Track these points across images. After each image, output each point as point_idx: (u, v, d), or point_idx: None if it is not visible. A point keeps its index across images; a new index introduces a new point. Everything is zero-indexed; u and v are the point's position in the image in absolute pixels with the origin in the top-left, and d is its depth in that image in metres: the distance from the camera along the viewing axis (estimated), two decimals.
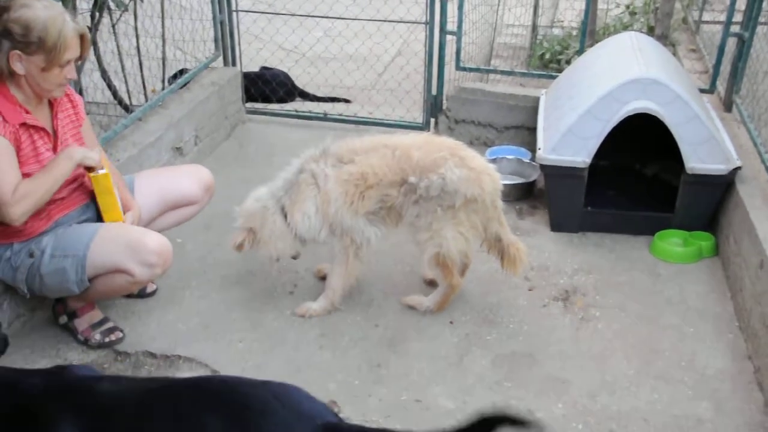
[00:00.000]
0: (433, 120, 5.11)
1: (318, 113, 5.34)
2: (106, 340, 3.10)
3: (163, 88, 4.63)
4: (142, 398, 1.95)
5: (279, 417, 1.83)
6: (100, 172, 2.90)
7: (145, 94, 4.50)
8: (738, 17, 4.60)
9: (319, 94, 5.90)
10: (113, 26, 4.17)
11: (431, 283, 3.49)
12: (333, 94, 5.92)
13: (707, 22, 6.55)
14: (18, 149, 2.71)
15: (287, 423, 1.83)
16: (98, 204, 2.96)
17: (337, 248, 3.23)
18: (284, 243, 3.22)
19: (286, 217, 3.19)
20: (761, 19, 4.48)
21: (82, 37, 2.75)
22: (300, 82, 5.93)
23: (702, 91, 4.58)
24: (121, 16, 4.20)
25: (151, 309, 3.35)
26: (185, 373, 2.99)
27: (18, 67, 2.65)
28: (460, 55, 4.94)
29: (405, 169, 3.07)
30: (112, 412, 1.91)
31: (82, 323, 3.11)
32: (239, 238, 3.23)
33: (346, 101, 5.86)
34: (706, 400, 2.88)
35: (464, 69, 5.04)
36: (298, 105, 5.68)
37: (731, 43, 4.63)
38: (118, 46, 4.23)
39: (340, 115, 5.32)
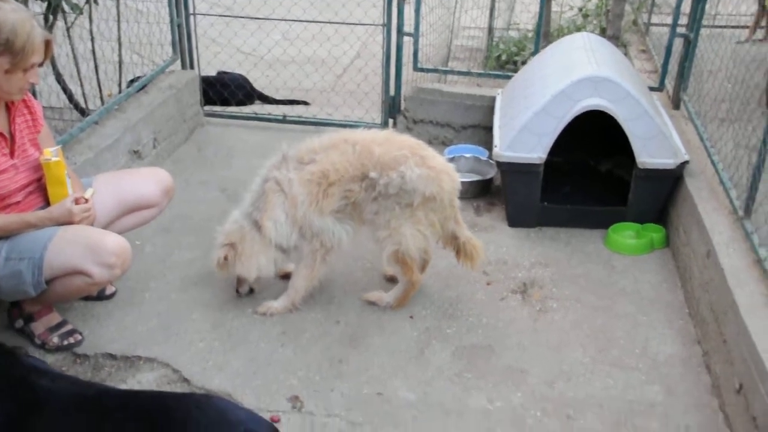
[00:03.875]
0: (391, 120, 5.15)
1: (277, 116, 5.35)
2: (65, 343, 3.06)
3: (119, 92, 4.59)
4: (76, 401, 2.06)
5: (201, 425, 1.95)
6: (53, 159, 2.87)
7: (102, 98, 4.46)
8: (684, 20, 4.73)
9: (278, 97, 5.91)
10: (68, 29, 4.13)
11: (391, 280, 3.52)
12: (292, 97, 5.93)
13: (656, 24, 6.73)
14: None
15: (208, 430, 1.94)
16: (48, 195, 2.92)
17: (306, 251, 3.24)
18: (266, 257, 3.21)
19: (261, 230, 3.19)
20: (705, 23, 4.63)
21: (46, 43, 2.75)
22: (259, 85, 5.92)
23: (652, 89, 4.70)
24: (75, 19, 4.16)
25: (110, 311, 3.32)
26: (146, 373, 2.98)
27: None
28: (418, 56, 4.99)
29: (366, 164, 3.09)
30: (43, 406, 2.05)
31: (39, 327, 3.08)
32: (221, 253, 3.22)
33: (305, 103, 5.87)
34: (658, 384, 2.96)
35: (422, 70, 5.10)
36: (257, 108, 5.68)
37: (678, 44, 4.77)
38: (73, 50, 4.19)
39: (300, 117, 5.35)
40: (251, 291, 3.43)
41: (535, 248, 3.90)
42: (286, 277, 3.44)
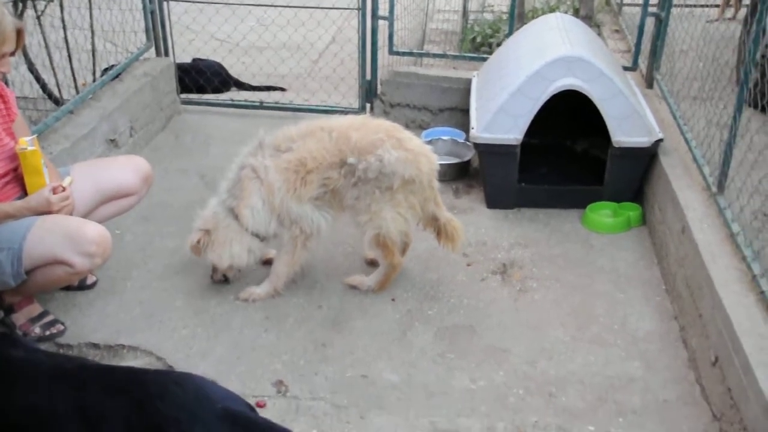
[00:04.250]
0: (368, 105, 5.14)
1: (254, 102, 5.32)
2: (47, 333, 3.04)
3: (94, 81, 4.53)
4: (54, 374, 2.07)
5: (178, 400, 1.98)
6: (29, 148, 2.83)
7: (76, 87, 4.39)
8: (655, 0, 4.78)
9: (254, 83, 5.85)
10: (38, 17, 4.05)
11: (372, 263, 3.52)
12: (268, 83, 5.87)
13: (628, 4, 6.76)
14: None
15: (185, 405, 1.97)
16: (25, 184, 2.89)
17: (286, 238, 3.23)
18: (240, 246, 3.20)
19: (237, 218, 3.18)
20: (676, 2, 4.67)
21: (18, 32, 2.71)
22: (234, 71, 5.86)
23: (625, 68, 4.74)
24: (46, 7, 4.09)
25: (92, 301, 3.30)
26: (130, 362, 2.96)
27: None
28: (393, 39, 4.98)
29: (343, 150, 3.08)
30: (22, 378, 2.05)
31: (20, 318, 3.05)
32: (195, 236, 3.23)
33: (282, 89, 5.83)
34: (637, 359, 3.00)
35: (397, 53, 5.09)
36: (233, 94, 5.63)
37: (650, 24, 4.80)
38: (44, 38, 4.11)
39: (276, 103, 5.32)
40: (225, 280, 3.41)
41: (514, 229, 3.92)
42: (268, 263, 3.44)
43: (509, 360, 3.00)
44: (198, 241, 3.22)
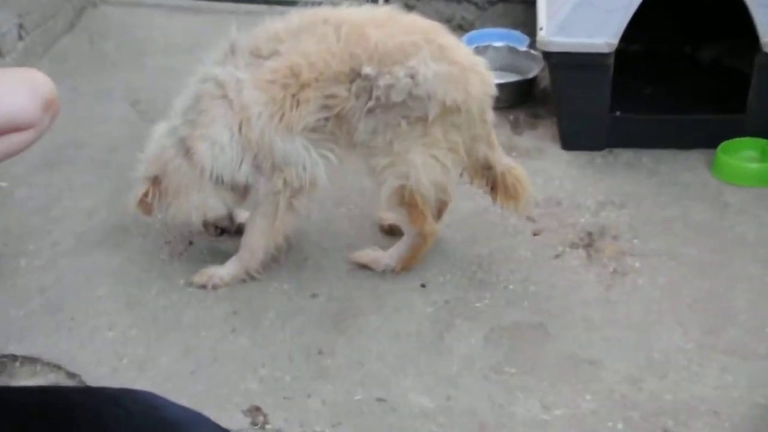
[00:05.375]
0: None
1: None
2: None
3: None
4: None
5: (121, 427, 1.94)
6: None
7: None
8: None
9: None
10: None
11: (392, 231, 3.55)
12: None
13: None
14: None
15: None
16: None
17: (263, 192, 3.25)
18: (202, 193, 3.26)
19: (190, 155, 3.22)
20: None
21: None
22: None
23: None
24: None
25: None
26: (26, 380, 2.97)
27: None
28: None
29: (357, 54, 3.06)
30: None
31: None
32: (139, 190, 3.31)
33: None
34: None
35: None
36: None
37: None
38: None
39: None
40: (222, 231, 3.53)
41: (604, 180, 3.94)
42: (238, 231, 3.47)
43: (601, 377, 2.99)
44: (144, 196, 3.27)
